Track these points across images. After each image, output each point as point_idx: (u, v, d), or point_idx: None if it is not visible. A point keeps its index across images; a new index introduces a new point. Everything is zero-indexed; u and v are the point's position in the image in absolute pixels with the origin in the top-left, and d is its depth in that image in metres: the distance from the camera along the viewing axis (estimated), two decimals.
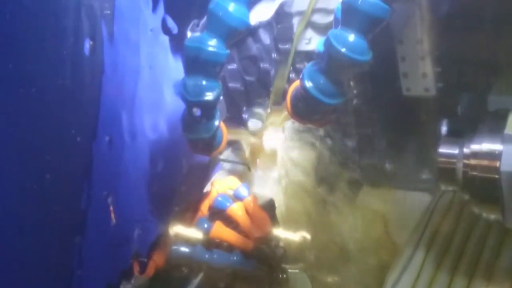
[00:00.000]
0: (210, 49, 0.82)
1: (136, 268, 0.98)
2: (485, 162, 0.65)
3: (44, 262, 0.77)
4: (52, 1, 0.75)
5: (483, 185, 0.66)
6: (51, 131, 0.76)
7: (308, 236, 1.06)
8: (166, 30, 1.01)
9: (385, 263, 0.94)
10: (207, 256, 1.03)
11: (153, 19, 0.98)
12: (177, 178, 1.10)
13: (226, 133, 1.01)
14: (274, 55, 1.09)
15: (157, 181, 1.02)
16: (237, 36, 0.86)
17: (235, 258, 1.03)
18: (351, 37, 0.73)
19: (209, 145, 0.96)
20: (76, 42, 0.79)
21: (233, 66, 1.12)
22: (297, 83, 0.87)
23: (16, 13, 0.68)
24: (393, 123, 1.01)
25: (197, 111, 0.88)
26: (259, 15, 1.05)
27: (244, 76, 1.12)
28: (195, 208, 1.11)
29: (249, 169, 1.19)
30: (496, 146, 0.64)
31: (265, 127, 1.15)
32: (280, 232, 1.07)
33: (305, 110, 0.87)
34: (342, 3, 0.74)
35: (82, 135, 0.81)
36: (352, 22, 0.73)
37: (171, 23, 1.01)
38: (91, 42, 0.82)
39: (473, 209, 0.70)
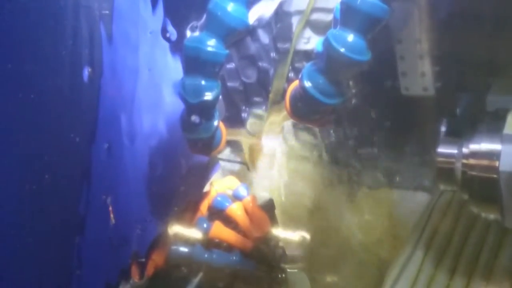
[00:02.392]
0: (209, 49, 0.82)
1: (135, 273, 0.98)
2: (484, 162, 0.65)
3: (43, 262, 0.77)
4: (51, 2, 0.74)
5: (482, 185, 0.66)
6: (49, 132, 0.76)
7: (307, 236, 1.06)
8: (165, 35, 1.01)
9: (384, 263, 0.94)
10: (206, 256, 1.03)
11: (152, 19, 0.98)
12: (176, 178, 1.10)
13: (225, 133, 1.01)
14: (273, 54, 1.09)
15: (156, 181, 1.02)
16: (237, 36, 0.86)
17: (234, 258, 1.03)
18: (350, 37, 0.73)
19: (208, 145, 0.96)
20: (75, 43, 0.79)
21: (231, 65, 1.12)
22: (296, 83, 0.87)
23: (14, 14, 0.68)
24: (392, 122, 1.01)
25: (196, 119, 0.88)
26: (258, 13, 1.05)
27: (242, 78, 1.12)
28: (195, 208, 1.11)
29: (248, 169, 1.19)
30: (495, 146, 0.64)
31: (264, 127, 1.15)
32: (280, 232, 1.07)
33: (304, 110, 0.87)
34: (341, 3, 0.74)
35: (81, 136, 0.81)
36: (351, 22, 0.73)
37: (170, 28, 1.01)
38: (89, 43, 0.82)
39: (472, 209, 0.70)
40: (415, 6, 0.81)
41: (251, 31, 1.06)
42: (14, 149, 0.70)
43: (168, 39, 1.02)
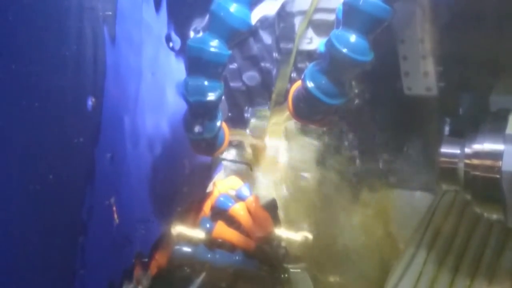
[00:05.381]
0: (212, 49, 0.82)
1: (137, 273, 0.98)
2: (486, 162, 0.65)
3: (47, 262, 0.77)
4: (54, 3, 0.75)
5: (484, 185, 0.66)
6: (53, 133, 0.76)
7: (310, 236, 1.06)
8: (169, 45, 1.02)
9: (387, 263, 0.94)
10: (209, 256, 1.04)
11: (155, 21, 0.98)
12: (179, 179, 1.10)
13: (228, 133, 1.01)
14: (275, 55, 1.09)
15: (160, 182, 1.03)
16: (239, 36, 0.86)
17: (237, 258, 1.03)
18: (353, 38, 0.73)
19: (211, 145, 0.96)
20: (79, 44, 0.79)
21: (234, 66, 1.12)
22: (298, 83, 0.87)
23: (18, 16, 0.68)
24: (395, 122, 1.01)
25: (199, 128, 0.88)
26: (261, 14, 1.06)
27: (245, 80, 1.12)
28: (198, 208, 1.11)
29: (251, 169, 1.19)
30: (497, 146, 0.64)
31: (267, 127, 1.15)
32: (282, 232, 1.07)
33: (306, 110, 0.87)
34: (344, 3, 0.74)
35: (84, 136, 0.82)
36: (354, 23, 0.73)
37: (174, 36, 1.02)
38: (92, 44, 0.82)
39: (474, 209, 0.70)
40: (418, 6, 0.81)
41: (253, 31, 1.06)
42: (17, 149, 0.71)
43: (172, 49, 1.02)
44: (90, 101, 0.81)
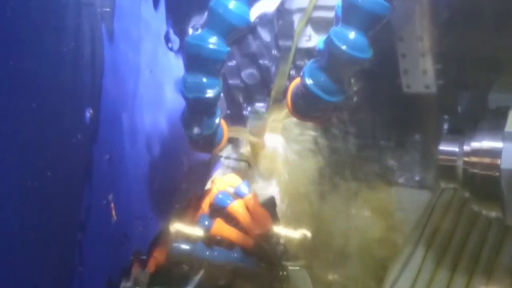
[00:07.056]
0: (211, 46, 0.82)
1: (135, 270, 0.98)
2: (485, 160, 0.65)
3: (46, 259, 0.77)
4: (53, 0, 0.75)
5: (483, 183, 0.66)
6: (50, 130, 0.76)
7: (308, 234, 1.06)
8: (168, 45, 1.01)
9: (385, 260, 0.94)
10: (207, 253, 1.03)
11: (154, 18, 0.98)
12: (177, 176, 1.10)
13: (226, 131, 1.01)
14: (274, 52, 1.09)
15: (158, 179, 1.03)
16: (238, 33, 0.86)
17: (235, 255, 1.03)
18: (352, 35, 0.73)
19: (210, 142, 0.96)
20: (77, 40, 0.79)
21: (233, 63, 1.12)
22: (297, 80, 0.87)
23: (16, 12, 0.68)
24: (393, 120, 1.01)
25: (198, 130, 0.88)
26: (260, 11, 1.05)
27: (244, 78, 1.12)
28: (196, 205, 1.11)
29: (249, 166, 1.19)
30: (496, 144, 0.65)
31: (266, 124, 1.15)
32: (281, 229, 1.07)
33: (305, 107, 0.87)
34: (343, 0, 0.74)
35: (83, 133, 0.81)
36: (353, 20, 0.73)
37: (173, 36, 1.02)
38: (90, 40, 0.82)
39: (473, 206, 0.71)
40: (417, 4, 0.81)
41: (252, 28, 1.06)
42: (15, 146, 0.70)
43: (171, 49, 1.02)
44: (88, 113, 0.81)
